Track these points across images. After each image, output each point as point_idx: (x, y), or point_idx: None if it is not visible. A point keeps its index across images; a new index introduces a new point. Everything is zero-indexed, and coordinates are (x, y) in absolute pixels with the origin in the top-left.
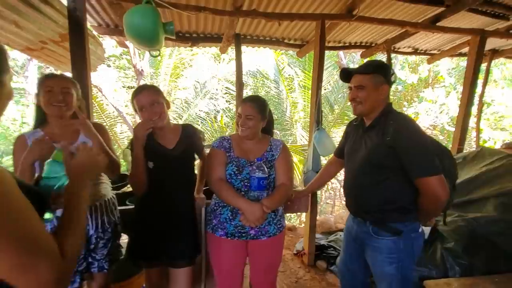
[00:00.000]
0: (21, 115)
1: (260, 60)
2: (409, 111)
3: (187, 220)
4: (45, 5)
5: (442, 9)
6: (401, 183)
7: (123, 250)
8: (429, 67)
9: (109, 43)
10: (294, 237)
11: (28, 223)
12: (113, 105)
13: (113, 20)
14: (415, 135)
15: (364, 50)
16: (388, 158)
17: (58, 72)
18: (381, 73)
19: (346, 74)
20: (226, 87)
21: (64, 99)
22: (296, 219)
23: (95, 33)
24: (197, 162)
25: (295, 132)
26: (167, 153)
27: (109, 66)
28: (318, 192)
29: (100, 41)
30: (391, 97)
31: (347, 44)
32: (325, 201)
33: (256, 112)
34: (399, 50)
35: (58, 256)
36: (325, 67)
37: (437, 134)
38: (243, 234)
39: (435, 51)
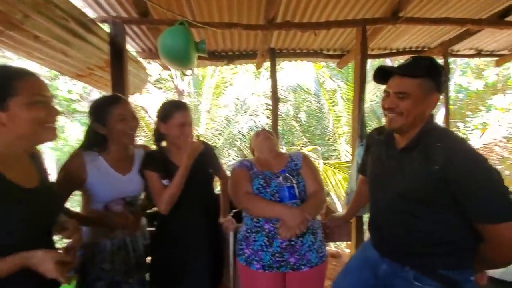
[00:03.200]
0: None
1: (301, 74)
2: (474, 122)
3: (205, 245)
4: (91, 35)
5: (511, 2)
6: (455, 217)
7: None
8: (497, 71)
9: (158, 67)
10: (338, 266)
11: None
12: None
13: (154, 44)
14: (479, 166)
15: (414, 56)
16: (436, 193)
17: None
18: (433, 77)
19: (383, 74)
20: (266, 103)
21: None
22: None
23: (140, 59)
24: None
25: (338, 147)
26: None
27: (160, 88)
28: None
29: (144, 65)
30: (451, 106)
31: (394, 51)
32: None
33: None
34: (459, 53)
35: None
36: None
37: None
38: (282, 264)
39: (505, 51)
